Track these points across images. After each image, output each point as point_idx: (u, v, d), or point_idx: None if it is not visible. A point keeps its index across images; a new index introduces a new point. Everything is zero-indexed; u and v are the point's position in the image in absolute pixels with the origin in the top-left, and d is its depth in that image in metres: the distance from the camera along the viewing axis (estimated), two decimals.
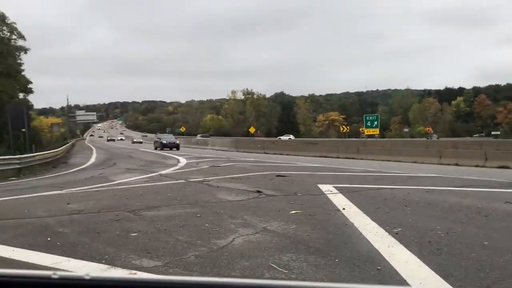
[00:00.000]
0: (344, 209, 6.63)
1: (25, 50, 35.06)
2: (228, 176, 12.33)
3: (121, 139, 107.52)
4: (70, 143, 56.50)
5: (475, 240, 4.68)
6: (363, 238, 4.83)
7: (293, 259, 4.12)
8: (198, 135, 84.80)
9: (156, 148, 39.16)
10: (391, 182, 10.26)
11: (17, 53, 35.59)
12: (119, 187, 10.64)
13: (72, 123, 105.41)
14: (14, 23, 33.91)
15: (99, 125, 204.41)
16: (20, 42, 35.07)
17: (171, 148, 37.91)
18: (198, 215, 6.37)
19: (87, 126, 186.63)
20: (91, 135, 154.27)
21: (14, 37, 34.11)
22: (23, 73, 43.04)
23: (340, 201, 7.45)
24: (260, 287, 0.78)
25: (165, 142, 39.47)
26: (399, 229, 5.21)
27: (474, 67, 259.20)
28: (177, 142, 40.40)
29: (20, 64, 39.39)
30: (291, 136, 79.35)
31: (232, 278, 0.82)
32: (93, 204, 7.74)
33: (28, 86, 45.79)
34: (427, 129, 77.97)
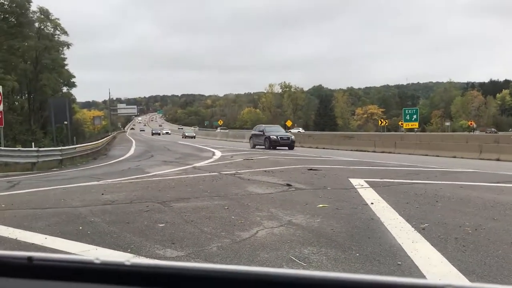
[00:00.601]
0: (372, 203, 6.56)
1: (68, 45, 36.36)
2: (260, 169, 12.39)
3: (167, 133, 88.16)
4: (111, 135, 58.02)
5: (504, 237, 4.56)
6: (388, 233, 4.78)
7: (314, 252, 4.13)
8: (218, 128, 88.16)
9: (254, 146, 27.91)
10: (425, 177, 10.05)
11: (60, 48, 36.87)
12: (153, 179, 10.87)
13: (113, 116, 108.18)
14: (58, 19, 35.15)
15: (139, 118, 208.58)
16: (63, 38, 36.33)
17: (275, 148, 25.99)
18: (226, 207, 6.45)
19: (128, 119, 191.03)
20: (132, 129, 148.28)
21: (57, 32, 35.35)
22: (66, 67, 44.56)
23: (369, 195, 7.38)
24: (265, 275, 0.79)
25: (275, 137, 26.38)
26: (426, 224, 5.13)
27: None
28: (292, 137, 27.59)
29: (64, 59, 40.73)
30: (300, 129, 79.79)
31: (255, 267, 0.84)
32: (126, 195, 7.95)
33: (71, 80, 47.41)
34: (469, 123, 75.63)
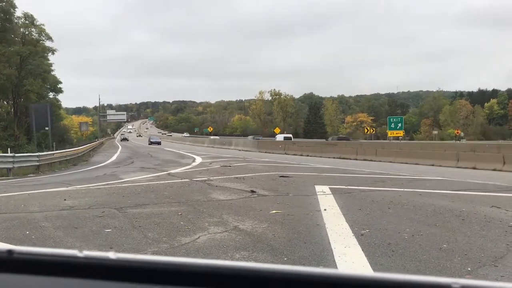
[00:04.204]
0: (325, 209, 6.66)
1: (53, 51, 36.22)
2: (233, 176, 12.46)
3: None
4: (98, 141, 57.79)
5: (436, 242, 4.66)
6: (326, 238, 4.87)
7: (245, 256, 4.21)
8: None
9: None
10: (390, 185, 10.18)
11: (45, 54, 36.77)
12: (122, 185, 10.89)
13: (103, 122, 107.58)
14: (43, 24, 35.09)
15: (129, 125, 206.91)
16: (48, 43, 36.25)
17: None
18: (179, 214, 6.52)
19: (119, 125, 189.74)
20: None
21: (42, 38, 35.23)
22: (53, 73, 44.43)
23: (326, 202, 7.48)
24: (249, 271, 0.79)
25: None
26: (367, 230, 5.23)
27: (509, 70, 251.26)
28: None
29: (49, 65, 40.59)
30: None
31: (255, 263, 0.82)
32: (88, 200, 7.98)
33: (58, 86, 47.25)
34: (456, 131, 76.22)
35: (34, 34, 34.64)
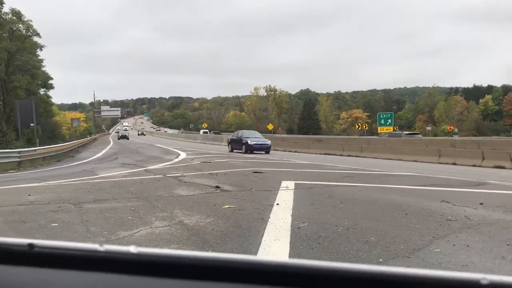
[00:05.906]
0: (278, 204, 6.79)
1: (41, 47, 36.24)
2: (207, 172, 12.57)
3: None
4: (90, 137, 57.89)
5: (366, 236, 4.78)
6: (262, 231, 4.98)
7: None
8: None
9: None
10: (356, 180, 10.32)
11: (33, 50, 36.77)
12: (94, 181, 10.97)
13: (98, 118, 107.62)
14: (30, 20, 35.11)
15: (125, 122, 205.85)
16: (36, 40, 36.24)
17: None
18: (133, 209, 6.62)
19: (114, 121, 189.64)
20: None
21: (30, 34, 35.21)
22: (43, 69, 44.42)
23: (284, 197, 7.61)
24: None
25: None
26: (306, 224, 5.35)
27: (504, 66, 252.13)
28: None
29: (40, 61, 40.60)
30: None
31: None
32: (50, 196, 8.07)
33: (49, 82, 47.27)
34: (449, 127, 76.49)
35: (22, 30, 34.70)
